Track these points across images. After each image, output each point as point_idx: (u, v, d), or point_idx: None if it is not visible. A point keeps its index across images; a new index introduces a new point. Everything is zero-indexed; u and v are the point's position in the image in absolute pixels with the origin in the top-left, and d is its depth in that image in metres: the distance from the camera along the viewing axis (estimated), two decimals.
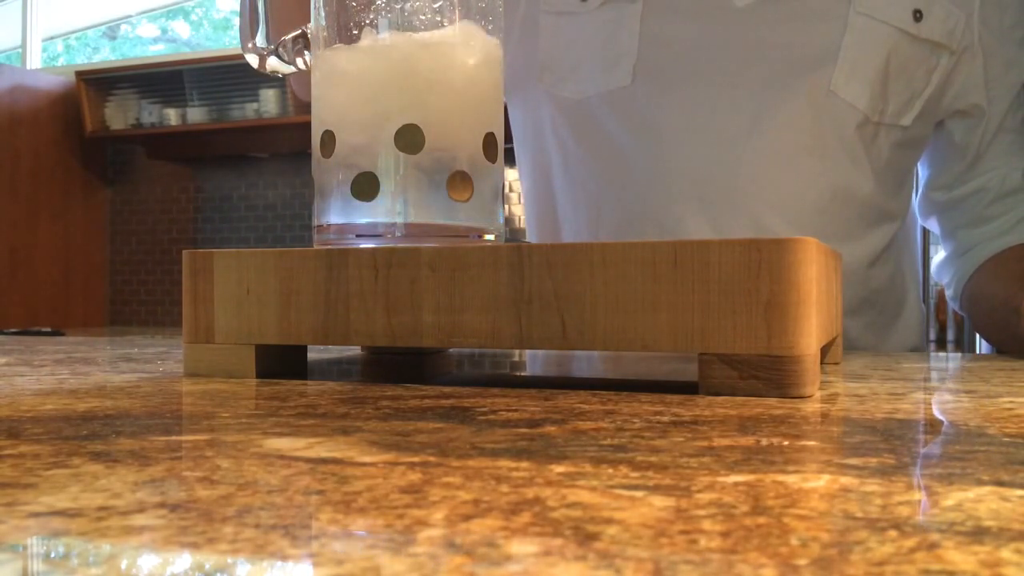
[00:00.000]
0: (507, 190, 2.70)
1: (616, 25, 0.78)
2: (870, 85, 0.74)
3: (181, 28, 3.75)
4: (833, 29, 0.74)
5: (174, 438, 0.27)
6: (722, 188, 0.76)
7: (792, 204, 0.75)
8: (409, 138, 0.44)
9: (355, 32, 0.46)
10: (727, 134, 0.75)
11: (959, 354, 1.23)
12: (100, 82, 3.20)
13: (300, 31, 0.50)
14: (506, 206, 2.77)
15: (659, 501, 0.19)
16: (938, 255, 0.87)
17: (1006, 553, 0.16)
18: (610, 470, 0.22)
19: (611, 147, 0.80)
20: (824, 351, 0.52)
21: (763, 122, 0.75)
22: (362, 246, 0.44)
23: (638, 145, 0.78)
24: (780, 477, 0.22)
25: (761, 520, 0.18)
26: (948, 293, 0.86)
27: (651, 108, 0.78)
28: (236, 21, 0.93)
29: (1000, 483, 0.21)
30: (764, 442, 0.26)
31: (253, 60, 0.51)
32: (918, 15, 0.74)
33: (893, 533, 0.17)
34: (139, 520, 0.18)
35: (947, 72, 0.76)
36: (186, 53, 3.38)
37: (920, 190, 0.86)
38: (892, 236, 0.81)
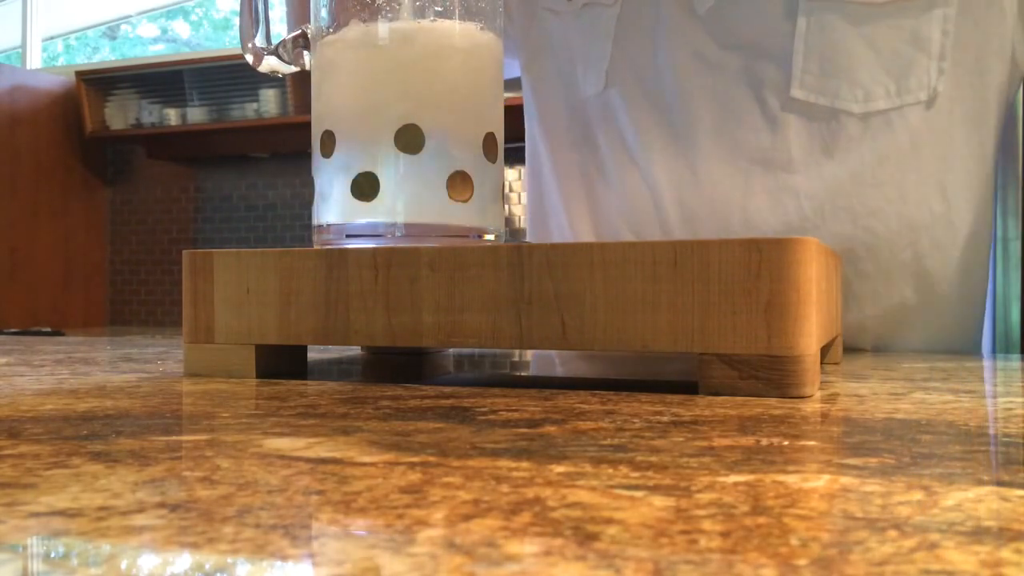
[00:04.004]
0: (507, 190, 2.70)
1: (593, 28, 0.78)
2: (845, 74, 0.69)
3: (181, 28, 3.75)
4: (783, 28, 0.70)
5: (174, 438, 0.27)
6: (689, 198, 0.74)
7: (762, 215, 0.73)
8: (409, 138, 0.44)
9: (355, 32, 0.46)
10: (690, 143, 0.74)
11: (959, 354, 1.23)
12: (100, 82, 3.20)
13: (300, 31, 0.50)
14: (506, 206, 2.77)
15: (659, 501, 0.19)
16: None
17: (1006, 553, 0.16)
18: (610, 470, 0.22)
19: (586, 156, 0.80)
20: (824, 351, 0.52)
21: (722, 131, 0.73)
22: (362, 246, 0.44)
23: (603, 156, 0.78)
24: (780, 477, 0.22)
25: (761, 520, 0.18)
26: None
27: (616, 117, 0.77)
28: (236, 21, 0.93)
29: (1000, 483, 0.21)
30: (764, 442, 0.26)
31: (252, 59, 0.51)
32: None
33: (893, 533, 0.17)
34: (139, 520, 0.18)
35: (952, 24, 0.68)
36: (186, 53, 3.38)
37: None
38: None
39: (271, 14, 0.51)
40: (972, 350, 0.79)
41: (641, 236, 0.76)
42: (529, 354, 0.73)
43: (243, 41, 0.51)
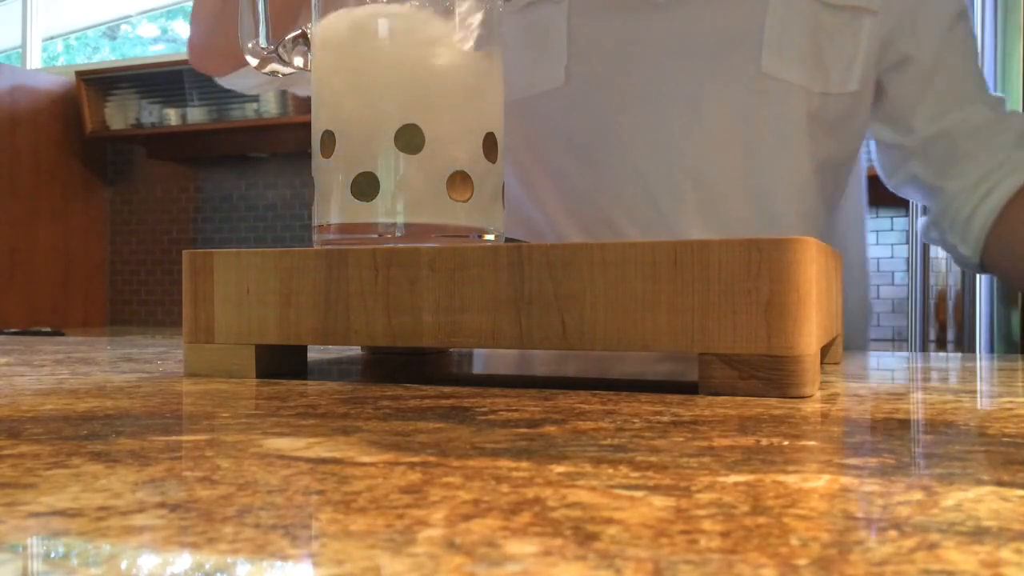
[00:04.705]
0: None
1: (543, 26, 0.78)
2: (801, 59, 0.75)
3: (181, 28, 3.75)
4: (755, 11, 0.75)
5: (174, 438, 0.27)
6: (665, 184, 0.76)
7: (737, 196, 0.77)
8: (409, 138, 0.44)
9: (355, 32, 0.46)
10: (664, 129, 0.76)
11: (959, 354, 1.23)
12: (100, 82, 3.20)
13: (300, 31, 0.50)
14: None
15: (659, 501, 0.19)
16: (925, 218, 0.84)
17: (1006, 553, 0.16)
18: (610, 470, 0.22)
19: (552, 147, 0.80)
20: (824, 351, 0.52)
21: (699, 114, 0.76)
22: (362, 246, 0.44)
23: (577, 145, 0.79)
24: (780, 477, 0.22)
25: (761, 520, 0.18)
26: (963, 251, 0.80)
27: (587, 107, 0.78)
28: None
29: (1000, 483, 0.21)
30: (764, 442, 0.26)
31: (253, 60, 0.51)
32: None
33: (893, 533, 0.17)
34: (139, 520, 0.18)
35: (873, 32, 0.78)
36: (186, 53, 3.37)
37: (881, 157, 0.86)
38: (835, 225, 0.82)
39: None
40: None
41: (632, 214, 0.78)
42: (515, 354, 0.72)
43: (243, 41, 0.51)
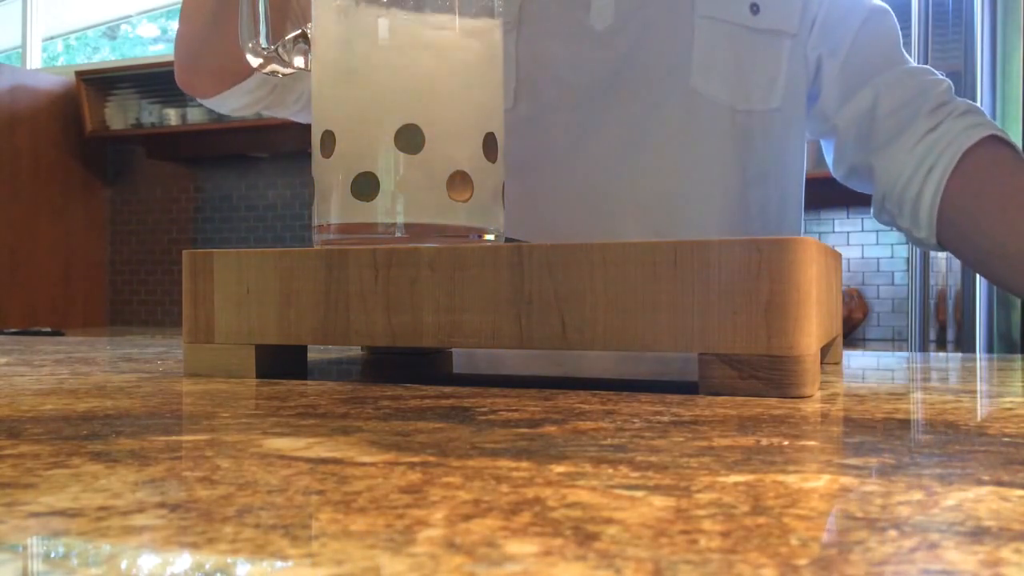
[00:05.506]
0: None
1: None
2: (725, 78, 0.80)
3: None
4: (683, 36, 0.80)
5: (174, 438, 0.27)
6: (604, 198, 0.79)
7: (682, 211, 0.79)
8: (409, 138, 0.44)
9: (355, 32, 0.46)
10: (604, 147, 0.79)
11: (959, 354, 1.23)
12: (100, 82, 3.20)
13: (300, 31, 0.50)
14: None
15: (659, 501, 0.19)
16: (872, 201, 0.85)
17: (1006, 553, 0.16)
18: (610, 470, 0.22)
19: (513, 158, 0.81)
20: (824, 351, 0.52)
21: (636, 132, 0.79)
22: (362, 246, 0.44)
23: (522, 162, 0.80)
24: (780, 477, 0.22)
25: (761, 520, 0.18)
26: (918, 235, 0.80)
27: (535, 129, 0.81)
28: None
29: (1000, 483, 0.21)
30: (764, 442, 0.26)
31: (253, 60, 0.51)
32: (755, 8, 0.80)
33: (893, 533, 0.17)
34: (139, 520, 0.18)
35: (794, 52, 0.82)
36: None
37: (826, 155, 0.88)
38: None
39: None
40: None
41: (600, 214, 0.80)
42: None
43: (244, 41, 0.51)
